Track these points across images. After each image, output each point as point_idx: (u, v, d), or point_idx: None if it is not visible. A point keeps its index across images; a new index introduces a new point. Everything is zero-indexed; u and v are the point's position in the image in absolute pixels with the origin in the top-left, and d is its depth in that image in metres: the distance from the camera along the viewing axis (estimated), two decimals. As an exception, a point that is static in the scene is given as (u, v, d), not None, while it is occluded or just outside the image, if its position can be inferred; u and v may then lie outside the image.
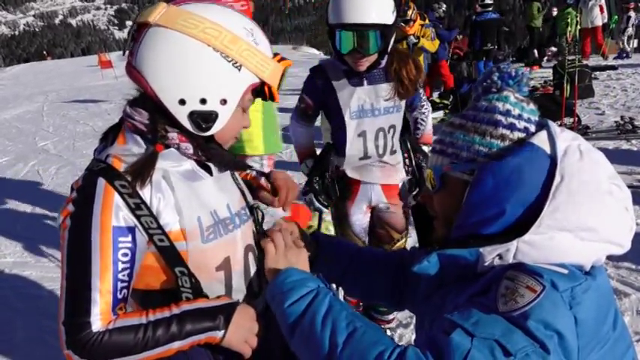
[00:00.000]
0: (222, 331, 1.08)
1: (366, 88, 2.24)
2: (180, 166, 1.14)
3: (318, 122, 2.74)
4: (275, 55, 1.17)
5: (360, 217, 2.47)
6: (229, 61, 1.08)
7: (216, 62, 1.07)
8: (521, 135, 0.91)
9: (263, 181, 1.46)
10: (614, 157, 5.46)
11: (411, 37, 6.14)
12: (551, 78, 8.54)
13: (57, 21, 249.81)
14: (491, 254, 0.90)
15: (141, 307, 1.17)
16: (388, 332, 2.80)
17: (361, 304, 2.73)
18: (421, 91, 2.50)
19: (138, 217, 1.06)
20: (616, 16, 14.27)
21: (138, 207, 1.06)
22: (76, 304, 1.01)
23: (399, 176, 2.45)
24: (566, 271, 0.86)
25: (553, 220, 0.86)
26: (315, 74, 2.33)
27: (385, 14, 2.07)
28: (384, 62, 2.22)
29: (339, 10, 2.06)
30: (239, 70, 1.09)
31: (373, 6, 2.05)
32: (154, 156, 1.09)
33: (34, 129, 10.35)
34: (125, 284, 1.05)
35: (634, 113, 6.90)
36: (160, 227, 1.08)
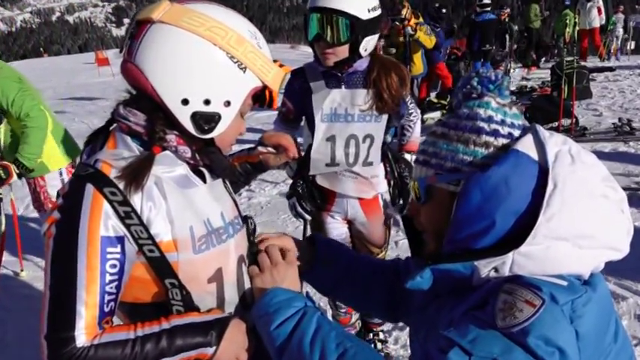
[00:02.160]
0: (214, 347, 1.03)
1: (343, 92, 2.13)
2: (173, 172, 1.09)
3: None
4: (275, 61, 1.14)
5: (337, 227, 2.37)
6: (235, 62, 1.05)
7: (221, 62, 1.04)
8: (506, 141, 0.88)
9: (260, 149, 1.44)
10: (612, 158, 5.53)
11: (408, 27, 6.09)
12: (549, 79, 8.54)
13: (54, 18, 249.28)
14: (486, 267, 0.86)
15: (129, 320, 1.11)
16: (382, 335, 2.78)
17: (356, 321, 2.69)
18: (408, 98, 2.34)
19: (128, 227, 1.01)
20: (613, 18, 14.30)
21: (128, 216, 1.00)
22: (59, 317, 0.96)
23: (375, 190, 2.31)
24: (565, 283, 0.83)
25: (548, 230, 0.82)
26: (295, 77, 2.24)
27: (359, 6, 1.97)
28: (364, 66, 2.11)
29: None
30: (244, 72, 1.06)
31: None
32: (151, 159, 1.05)
33: (29, 126, 10.26)
34: (112, 297, 1.00)
35: (631, 115, 6.90)
36: (150, 237, 1.03)
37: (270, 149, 1.42)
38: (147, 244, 1.03)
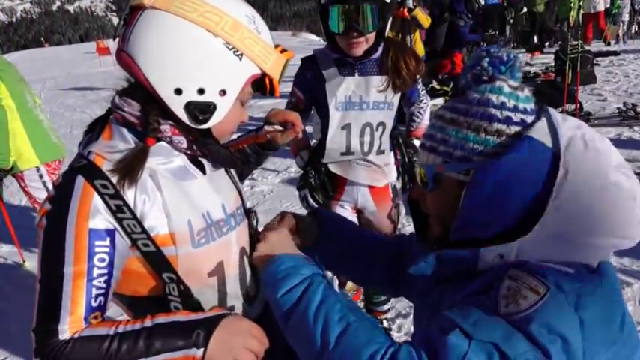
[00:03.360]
0: (202, 349, 0.96)
1: (357, 79, 2.10)
2: (170, 163, 1.06)
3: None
4: (276, 46, 1.09)
5: (346, 216, 2.31)
6: (230, 49, 1.00)
7: (216, 49, 0.99)
8: (518, 128, 0.84)
9: (266, 128, 1.40)
10: (616, 144, 5.39)
11: (409, 0, 6.08)
12: (553, 64, 8.46)
13: (54, 7, 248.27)
14: (491, 254, 0.85)
15: (132, 313, 1.11)
16: (385, 323, 2.77)
17: (361, 299, 2.68)
18: (420, 85, 2.35)
19: (119, 221, 0.98)
20: (618, 2, 14.13)
21: (120, 209, 0.98)
22: (47, 310, 0.95)
23: (387, 179, 2.31)
24: (571, 271, 0.81)
25: (556, 218, 0.80)
26: (306, 65, 2.20)
27: None
28: (378, 52, 2.10)
29: None
30: (240, 59, 1.01)
31: None
32: (145, 151, 1.02)
33: (31, 117, 10.27)
34: (101, 291, 0.97)
35: (636, 99, 6.83)
36: (144, 231, 1.00)
37: (277, 127, 1.38)
38: (141, 238, 1.00)
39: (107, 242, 0.97)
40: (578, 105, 6.50)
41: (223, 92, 1.02)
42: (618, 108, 6.37)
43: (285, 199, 4.91)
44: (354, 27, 1.94)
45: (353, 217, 2.38)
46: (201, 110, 1.02)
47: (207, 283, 1.11)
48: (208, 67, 1.00)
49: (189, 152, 1.08)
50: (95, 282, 0.96)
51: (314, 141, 2.39)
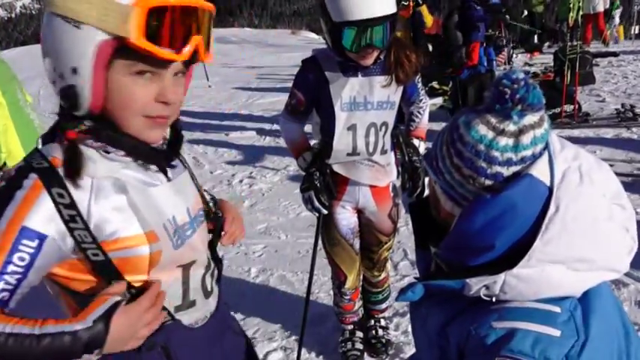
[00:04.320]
0: (97, 351, 0.94)
1: (360, 79, 2.10)
2: (127, 168, 1.03)
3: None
4: None
5: (346, 217, 2.36)
6: (68, 22, 0.90)
7: (57, 28, 0.92)
8: (519, 168, 0.82)
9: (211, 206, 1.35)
10: (614, 145, 5.49)
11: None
12: (552, 64, 8.46)
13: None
14: (477, 285, 0.85)
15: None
16: (383, 322, 2.79)
17: (360, 298, 2.69)
18: (420, 85, 2.36)
19: (71, 230, 0.96)
20: (618, 2, 14.13)
21: (72, 219, 0.96)
22: None
23: (388, 178, 2.33)
24: (558, 310, 0.81)
25: (544, 254, 0.80)
26: (307, 67, 2.19)
27: (392, 3, 1.94)
28: (383, 54, 2.10)
29: (345, 7, 1.89)
30: (78, 27, 0.89)
31: None
32: (73, 148, 0.98)
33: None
34: (9, 287, 0.93)
35: (635, 101, 6.85)
36: (94, 241, 0.98)
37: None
38: (91, 247, 0.98)
39: (34, 244, 0.94)
40: (577, 105, 6.51)
41: (74, 70, 0.93)
42: (617, 109, 6.39)
43: (284, 198, 4.92)
44: (369, 45, 1.95)
45: (354, 217, 2.39)
46: (66, 96, 0.96)
47: (176, 277, 1.13)
48: (55, 49, 0.93)
49: (101, 148, 1.01)
50: (6, 277, 0.92)
51: (314, 141, 2.39)
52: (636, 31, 14.07)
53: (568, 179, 0.80)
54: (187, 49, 0.94)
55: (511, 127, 0.81)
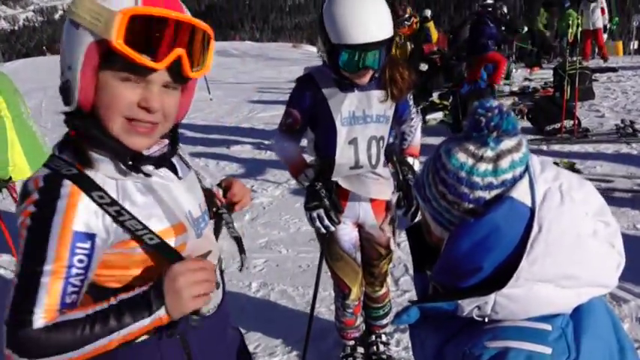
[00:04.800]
0: (163, 309, 1.02)
1: (358, 94, 2.13)
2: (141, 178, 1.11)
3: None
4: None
5: (347, 232, 2.37)
6: (72, 24, 1.01)
7: (65, 30, 1.03)
8: (499, 191, 0.85)
9: (215, 190, 1.46)
10: (614, 160, 5.51)
11: (427, 10, 6.30)
12: (552, 79, 8.51)
13: (57, 16, 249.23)
14: (469, 306, 0.87)
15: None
16: (384, 337, 2.78)
17: (362, 313, 2.69)
18: (411, 103, 2.39)
19: (122, 223, 1.04)
20: (617, 18, 14.24)
21: (119, 214, 1.04)
22: (22, 301, 0.97)
23: (391, 191, 2.34)
24: (549, 327, 0.83)
25: (531, 273, 0.82)
26: (304, 85, 2.21)
27: (388, 27, 1.98)
28: (378, 72, 2.13)
29: (343, 30, 1.93)
30: (77, 29, 0.99)
31: (378, 23, 1.94)
32: (80, 151, 1.05)
33: (32, 125, 10.27)
34: (76, 289, 1.02)
35: (634, 116, 6.88)
36: (145, 227, 1.07)
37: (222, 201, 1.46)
38: (145, 233, 1.07)
39: (88, 245, 1.02)
40: (577, 121, 6.54)
41: (69, 67, 1.02)
42: (616, 124, 6.41)
43: (285, 211, 4.93)
44: (366, 67, 1.99)
45: (354, 232, 2.40)
46: (62, 89, 1.05)
47: None
48: (63, 48, 1.04)
49: (93, 150, 1.07)
50: (72, 280, 1.00)
51: (311, 158, 2.39)
52: (635, 47, 14.18)
53: (549, 199, 0.82)
54: (166, 60, 1.00)
55: (489, 153, 0.85)
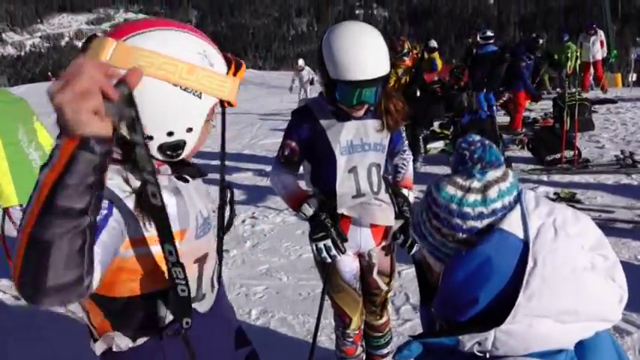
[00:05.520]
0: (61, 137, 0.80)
1: (355, 123, 2.17)
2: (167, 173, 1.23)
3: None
4: (229, 64, 1.17)
5: (348, 263, 2.36)
6: (189, 92, 1.09)
7: (176, 96, 1.07)
8: (491, 220, 0.87)
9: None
10: (615, 191, 5.53)
11: (433, 40, 6.43)
12: (552, 110, 8.59)
13: (63, 42, 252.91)
14: (470, 342, 0.87)
15: (113, 318, 1.22)
16: (386, 367, 2.75)
17: (363, 342, 2.67)
18: (404, 135, 2.45)
19: (151, 206, 1.10)
20: (615, 51, 14.43)
21: (154, 195, 1.08)
22: None
23: (392, 217, 2.33)
24: None
25: (529, 309, 0.82)
26: (301, 116, 2.24)
27: (385, 64, 2.03)
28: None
29: (341, 67, 1.97)
30: (200, 97, 1.11)
31: (375, 60, 1.99)
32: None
33: (35, 149, 10.33)
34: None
35: (634, 147, 6.93)
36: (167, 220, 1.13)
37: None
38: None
39: (106, 205, 1.06)
40: (577, 151, 6.58)
41: (190, 130, 1.14)
42: (616, 156, 6.46)
43: (286, 239, 4.92)
44: (362, 102, 2.04)
45: (355, 262, 2.40)
46: (172, 148, 1.15)
47: (193, 273, 1.29)
48: (172, 114, 1.10)
49: (173, 175, 1.25)
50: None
51: (309, 190, 2.40)
52: (633, 79, 14.32)
53: (543, 234, 0.83)
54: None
55: (475, 184, 0.87)
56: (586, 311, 0.84)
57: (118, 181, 1.10)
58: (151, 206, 1.05)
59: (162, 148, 1.13)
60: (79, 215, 0.80)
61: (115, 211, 1.04)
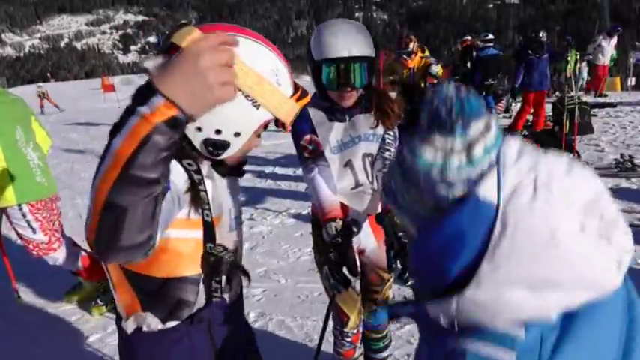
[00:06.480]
0: (160, 97, 0.83)
1: (345, 124, 2.19)
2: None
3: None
4: (296, 91, 1.23)
5: None
6: (249, 100, 1.12)
7: (236, 100, 1.03)
8: (466, 188, 0.74)
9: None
10: (614, 195, 5.44)
11: (432, 66, 6.48)
12: (551, 114, 8.61)
13: (62, 44, 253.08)
14: (435, 310, 0.79)
15: (145, 298, 1.25)
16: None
17: (361, 344, 2.66)
18: (396, 129, 2.41)
19: (198, 192, 1.18)
20: (614, 55, 14.44)
21: (200, 182, 1.18)
22: None
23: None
24: (521, 333, 0.72)
25: (496, 277, 0.72)
26: (300, 115, 2.19)
27: (369, 48, 2.06)
28: (364, 97, 2.17)
29: (325, 46, 2.02)
30: (257, 108, 1.14)
31: (357, 40, 2.04)
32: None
33: (33, 150, 10.30)
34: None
35: (633, 151, 6.93)
36: (208, 203, 1.20)
37: None
38: (206, 209, 1.21)
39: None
40: (576, 155, 6.59)
41: (238, 134, 1.18)
42: (615, 159, 6.45)
43: (284, 241, 4.90)
44: (346, 83, 2.04)
45: (356, 259, 2.38)
46: (216, 146, 1.18)
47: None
48: (227, 113, 1.12)
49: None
50: None
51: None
52: (632, 83, 14.35)
53: (518, 195, 0.71)
54: None
55: (458, 143, 0.74)
56: (567, 279, 0.72)
57: (173, 162, 1.14)
58: (197, 192, 1.17)
59: (206, 142, 1.17)
60: (154, 184, 0.87)
61: (172, 187, 1.09)
